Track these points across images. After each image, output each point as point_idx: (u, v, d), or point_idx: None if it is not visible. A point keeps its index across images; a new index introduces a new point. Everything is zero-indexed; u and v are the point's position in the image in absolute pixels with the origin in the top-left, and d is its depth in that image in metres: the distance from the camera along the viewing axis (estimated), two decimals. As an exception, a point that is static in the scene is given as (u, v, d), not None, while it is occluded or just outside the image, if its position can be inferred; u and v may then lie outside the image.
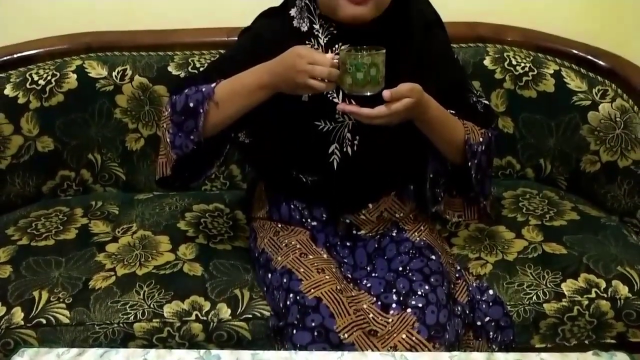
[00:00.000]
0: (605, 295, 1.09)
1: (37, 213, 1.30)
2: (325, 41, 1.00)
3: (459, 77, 1.11)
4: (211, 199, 1.35)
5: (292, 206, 1.10)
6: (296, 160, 1.05)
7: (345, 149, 1.01)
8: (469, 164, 1.03)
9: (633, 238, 1.23)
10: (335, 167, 1.02)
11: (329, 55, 0.91)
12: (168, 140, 1.02)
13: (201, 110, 0.97)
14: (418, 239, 1.09)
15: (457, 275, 1.09)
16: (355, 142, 1.01)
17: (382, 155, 1.02)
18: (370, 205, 1.08)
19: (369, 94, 0.91)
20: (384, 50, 0.90)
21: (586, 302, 1.09)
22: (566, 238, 1.20)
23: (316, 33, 1.00)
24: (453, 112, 1.03)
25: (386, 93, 0.90)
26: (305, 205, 1.09)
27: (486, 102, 1.11)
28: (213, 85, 0.98)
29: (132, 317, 1.04)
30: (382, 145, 1.01)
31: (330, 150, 1.01)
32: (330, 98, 0.99)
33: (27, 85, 1.29)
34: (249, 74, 0.97)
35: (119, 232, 1.24)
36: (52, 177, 1.36)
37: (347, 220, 1.09)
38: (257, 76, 0.96)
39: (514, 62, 1.35)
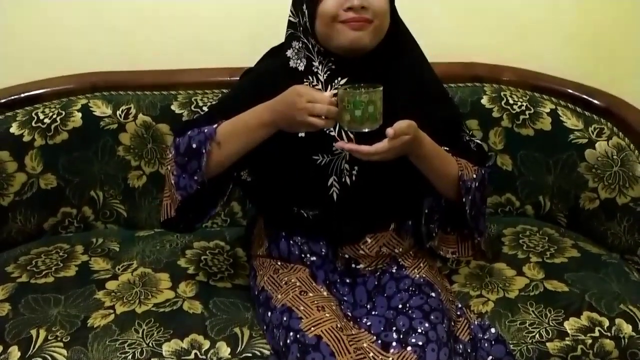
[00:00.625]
0: (609, 334, 1.08)
1: (38, 250, 1.30)
2: (324, 77, 1.02)
3: (454, 115, 1.14)
4: (212, 236, 1.36)
5: (291, 242, 1.11)
6: (296, 195, 1.06)
7: (344, 180, 1.03)
8: (464, 199, 1.04)
9: (635, 276, 1.23)
10: (335, 198, 1.03)
11: (328, 93, 0.94)
12: (172, 182, 1.03)
13: (204, 151, 0.99)
14: (417, 276, 1.08)
15: (458, 313, 1.08)
16: (354, 172, 1.03)
17: (380, 184, 1.03)
18: (369, 240, 1.08)
19: (367, 130, 0.93)
20: (381, 88, 0.92)
21: (590, 341, 1.07)
22: (567, 275, 1.19)
23: (315, 70, 1.02)
24: (447, 149, 1.05)
25: (390, 131, 0.91)
26: (305, 240, 1.10)
27: (479, 142, 1.13)
28: (215, 126, 1.00)
29: (130, 356, 1.03)
30: (380, 173, 1.02)
31: (329, 183, 1.03)
32: (327, 132, 1.01)
33: (33, 124, 1.31)
34: (249, 113, 0.99)
35: (119, 269, 1.24)
36: (54, 214, 1.37)
37: (347, 256, 1.09)
38: (258, 115, 0.98)
39: (510, 101, 1.38)
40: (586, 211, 1.34)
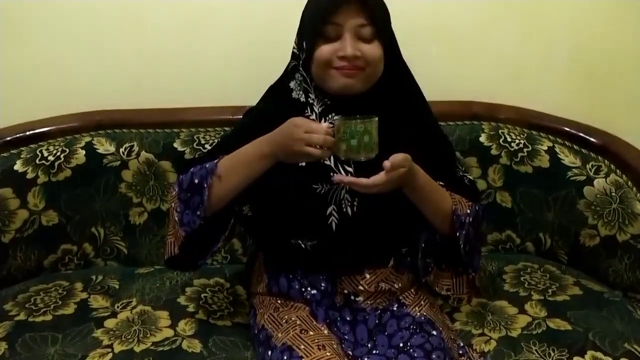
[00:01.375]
0: (614, 375, 1.06)
1: (37, 287, 1.30)
2: (319, 110, 1.05)
3: (448, 150, 1.16)
4: (212, 273, 1.35)
5: (290, 276, 1.10)
6: (295, 224, 1.06)
7: (345, 210, 1.03)
8: (457, 234, 1.04)
9: (638, 314, 1.21)
10: (334, 228, 1.04)
11: (324, 124, 0.96)
12: (176, 218, 1.04)
13: (205, 185, 1.00)
14: (419, 314, 1.08)
15: (460, 352, 1.07)
16: (355, 202, 1.03)
17: (380, 215, 1.04)
18: (368, 276, 1.08)
19: (363, 159, 0.95)
20: (376, 118, 0.95)
21: (595, 382, 1.06)
22: (570, 313, 1.18)
23: (311, 102, 1.05)
24: (442, 184, 1.07)
25: (387, 163, 0.93)
26: (304, 275, 1.09)
27: (470, 177, 1.14)
28: (216, 161, 1.02)
29: (127, 397, 1.02)
30: (381, 205, 1.03)
31: (328, 212, 1.03)
32: (326, 163, 1.03)
33: (37, 161, 1.33)
34: (249, 146, 1.01)
35: (118, 307, 1.23)
36: (54, 251, 1.36)
37: (345, 291, 1.08)
38: (257, 147, 1.00)
39: (508, 139, 1.40)
40: (587, 248, 1.34)
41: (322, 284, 1.09)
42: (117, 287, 1.29)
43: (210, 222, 1.04)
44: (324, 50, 0.99)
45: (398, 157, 0.95)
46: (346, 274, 1.08)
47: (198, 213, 1.02)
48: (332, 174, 1.02)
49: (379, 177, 0.94)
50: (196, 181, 1.01)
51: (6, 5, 1.37)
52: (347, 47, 0.98)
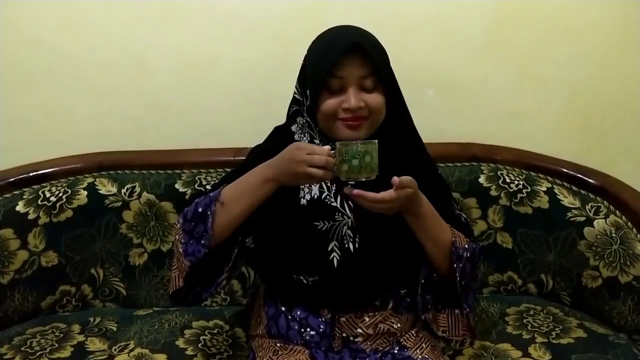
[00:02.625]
0: (621, 420, 1.04)
1: (34, 330, 1.28)
2: None
3: (446, 190, 1.17)
4: (211, 315, 1.34)
5: (289, 317, 1.09)
6: (296, 260, 1.06)
7: (347, 246, 1.03)
8: (454, 265, 1.04)
9: (644, 357, 1.20)
10: (336, 264, 1.03)
11: (326, 146, 0.98)
12: (181, 250, 1.04)
13: (209, 213, 1.01)
14: (420, 356, 1.06)
15: (463, 396, 1.05)
16: (357, 239, 1.03)
17: (382, 251, 1.04)
18: (367, 319, 1.07)
19: (364, 179, 0.95)
20: (377, 141, 0.96)
21: None
22: (575, 357, 1.16)
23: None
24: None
25: (396, 179, 0.94)
26: (304, 316, 1.08)
27: (465, 216, 1.15)
28: (219, 189, 1.03)
29: None
30: (383, 240, 1.03)
31: (329, 248, 1.03)
32: (328, 202, 1.04)
33: (39, 202, 1.33)
34: (252, 172, 1.02)
35: (115, 350, 1.21)
36: (53, 292, 1.35)
37: (344, 334, 1.07)
38: (260, 172, 1.01)
39: (507, 180, 1.41)
40: (589, 290, 1.33)
41: (322, 327, 1.07)
42: (114, 329, 1.28)
43: (214, 252, 1.03)
44: (329, 103, 1.02)
45: (406, 177, 0.96)
46: (346, 312, 1.07)
47: (202, 242, 1.02)
48: (344, 189, 1.00)
49: (387, 193, 0.94)
50: (200, 210, 1.02)
51: (12, 51, 1.40)
52: (351, 99, 1.00)
